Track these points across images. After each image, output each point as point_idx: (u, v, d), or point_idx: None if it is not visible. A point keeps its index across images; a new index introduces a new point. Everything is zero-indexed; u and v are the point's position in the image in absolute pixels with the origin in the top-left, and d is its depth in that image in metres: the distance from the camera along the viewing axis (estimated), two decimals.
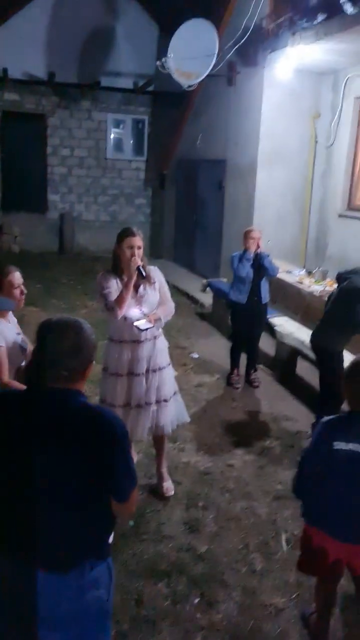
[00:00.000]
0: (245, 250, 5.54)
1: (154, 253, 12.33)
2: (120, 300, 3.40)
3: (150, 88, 11.76)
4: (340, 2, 5.35)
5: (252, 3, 7.24)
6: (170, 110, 11.28)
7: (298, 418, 5.11)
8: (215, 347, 6.90)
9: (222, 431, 4.85)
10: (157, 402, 3.66)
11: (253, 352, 5.98)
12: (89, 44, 11.53)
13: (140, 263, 3.43)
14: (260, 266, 5.56)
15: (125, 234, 3.49)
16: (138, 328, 3.46)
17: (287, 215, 8.32)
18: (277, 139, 7.97)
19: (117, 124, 12.59)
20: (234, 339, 6.04)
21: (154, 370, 3.64)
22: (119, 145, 12.73)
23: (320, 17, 5.92)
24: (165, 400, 3.71)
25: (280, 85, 7.56)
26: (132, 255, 3.43)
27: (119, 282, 3.48)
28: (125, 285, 3.42)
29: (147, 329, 3.49)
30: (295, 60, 6.84)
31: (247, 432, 4.87)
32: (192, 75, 7.72)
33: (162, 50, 10.25)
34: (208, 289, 8.46)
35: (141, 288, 3.53)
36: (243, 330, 5.86)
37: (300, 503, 2.61)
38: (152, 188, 12.85)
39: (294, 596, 3.04)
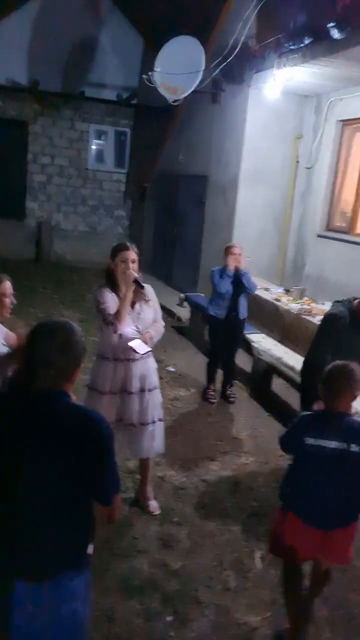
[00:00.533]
0: (225, 266, 5.55)
1: None
2: (119, 314, 3.37)
3: (134, 101, 11.80)
4: (327, 26, 5.45)
5: (240, 23, 7.32)
6: (153, 123, 11.32)
7: (273, 435, 5.09)
8: (192, 361, 6.88)
9: (197, 446, 4.81)
10: (153, 422, 3.66)
11: (230, 367, 5.97)
12: (74, 54, 11.53)
13: (136, 275, 3.41)
14: (239, 282, 5.58)
15: (119, 248, 3.49)
16: (135, 351, 3.41)
17: (267, 234, 8.39)
18: (259, 157, 8.06)
19: (99, 135, 12.59)
20: (211, 354, 6.03)
21: (150, 390, 3.63)
22: (100, 156, 12.71)
23: (307, 40, 6.01)
24: (160, 420, 3.74)
25: (264, 105, 7.66)
26: (127, 268, 3.40)
27: (115, 296, 3.44)
28: (124, 298, 3.38)
29: (145, 353, 3.47)
30: (280, 81, 6.93)
31: (222, 447, 4.84)
32: (177, 90, 7.76)
33: (146, 64, 10.31)
34: (185, 303, 8.46)
35: (137, 305, 3.52)
36: (221, 345, 5.85)
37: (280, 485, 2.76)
38: (132, 201, 12.84)
39: (268, 615, 3.01)
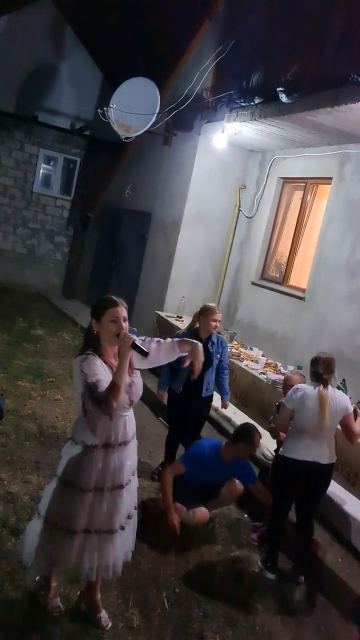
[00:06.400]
0: (197, 332, 4.56)
1: (66, 293, 12.22)
2: (115, 389, 2.59)
3: (87, 132, 11.96)
4: (277, 90, 5.78)
5: (197, 74, 7.67)
6: (103, 156, 11.50)
7: None
8: None
9: None
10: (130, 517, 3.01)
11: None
12: (32, 79, 11.61)
13: (135, 338, 2.69)
14: (208, 353, 4.49)
15: (107, 305, 2.75)
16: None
17: (204, 276, 8.60)
18: (203, 202, 8.32)
19: (48, 161, 12.61)
20: (170, 429, 5.09)
21: (134, 473, 2.99)
22: (47, 181, 12.71)
23: (257, 100, 6.35)
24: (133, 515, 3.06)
25: (212, 153, 7.98)
26: (120, 329, 2.70)
27: (104, 365, 2.74)
28: (120, 369, 2.63)
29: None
30: (229, 134, 7.26)
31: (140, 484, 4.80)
32: (130, 128, 7.96)
33: (103, 99, 10.52)
34: None
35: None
36: (177, 425, 4.88)
37: None
38: (74, 228, 12.85)
39: None
